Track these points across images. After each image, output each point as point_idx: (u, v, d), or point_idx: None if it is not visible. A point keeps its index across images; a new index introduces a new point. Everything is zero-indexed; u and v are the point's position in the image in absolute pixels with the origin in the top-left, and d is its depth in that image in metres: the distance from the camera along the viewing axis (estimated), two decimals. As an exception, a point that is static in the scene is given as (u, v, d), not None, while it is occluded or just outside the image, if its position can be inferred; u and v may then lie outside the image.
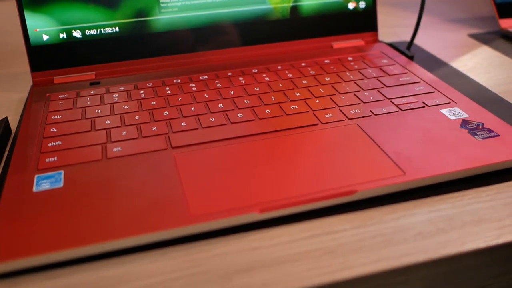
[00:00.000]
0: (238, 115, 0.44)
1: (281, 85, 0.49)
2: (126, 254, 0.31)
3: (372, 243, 0.32)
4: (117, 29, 0.52)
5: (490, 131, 0.41)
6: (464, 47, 0.63)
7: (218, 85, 0.49)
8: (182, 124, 0.42)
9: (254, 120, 0.43)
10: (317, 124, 0.42)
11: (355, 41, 0.59)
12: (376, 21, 0.59)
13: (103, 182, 0.35)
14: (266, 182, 0.35)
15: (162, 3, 0.53)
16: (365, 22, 0.59)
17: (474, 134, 0.41)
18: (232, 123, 0.43)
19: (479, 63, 0.58)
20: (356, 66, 0.53)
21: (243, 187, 0.35)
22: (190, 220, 0.32)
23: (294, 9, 0.56)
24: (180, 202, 0.33)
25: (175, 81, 0.50)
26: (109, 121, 0.43)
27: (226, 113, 0.44)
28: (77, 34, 0.51)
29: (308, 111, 0.44)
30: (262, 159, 0.38)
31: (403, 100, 0.46)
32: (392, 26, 0.70)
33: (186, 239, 0.32)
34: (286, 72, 0.52)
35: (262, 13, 0.55)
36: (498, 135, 0.40)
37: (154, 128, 0.42)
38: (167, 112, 0.44)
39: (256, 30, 0.56)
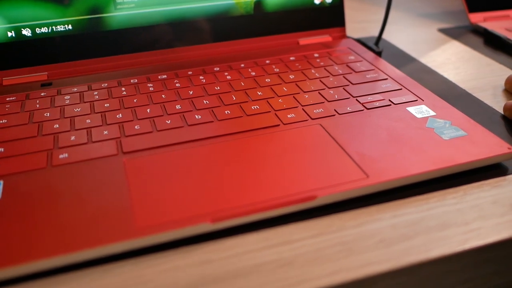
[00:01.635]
0: (196, 116, 0.41)
1: (243, 84, 0.47)
2: (64, 272, 0.28)
3: (332, 252, 0.30)
4: (70, 27, 0.49)
5: (457, 129, 0.39)
6: (434, 42, 0.61)
7: (177, 84, 0.47)
8: (136, 127, 0.40)
9: (212, 121, 0.41)
10: (278, 125, 0.40)
11: (322, 37, 0.57)
12: (343, 16, 0.57)
13: (45, 192, 0.33)
14: (221, 189, 0.33)
15: (118, -1, 0.50)
16: (332, 17, 0.58)
17: (441, 133, 0.39)
18: (189, 125, 0.40)
19: (448, 59, 0.57)
20: (322, 63, 0.51)
21: (196, 195, 0.32)
22: (136, 232, 0.29)
23: (258, 4, 0.54)
24: (125, 213, 0.31)
25: (132, 81, 0.48)
26: (57, 125, 0.40)
27: (183, 115, 0.42)
28: (26, 32, 0.48)
29: (269, 111, 0.42)
30: (218, 164, 0.35)
31: (369, 98, 0.44)
32: (361, 21, 0.69)
33: (132, 253, 0.29)
34: (249, 70, 0.50)
35: (224, 9, 0.53)
36: (466, 134, 0.39)
37: (105, 132, 0.39)
38: (120, 114, 0.42)
39: (218, 27, 0.53)
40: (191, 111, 0.42)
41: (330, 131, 0.39)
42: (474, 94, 0.48)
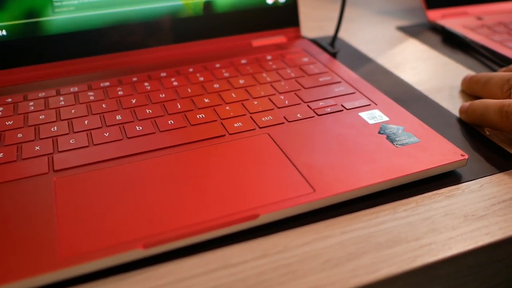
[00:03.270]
0: (137, 127, 0.39)
1: (190, 91, 0.44)
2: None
3: (275, 276, 0.28)
4: (4, 32, 0.46)
5: (410, 136, 0.38)
6: (392, 41, 0.60)
7: (119, 92, 0.44)
8: (70, 141, 0.37)
9: (154, 133, 0.38)
10: (223, 136, 0.38)
11: (276, 38, 0.55)
12: (297, 16, 0.55)
13: (-38, 219, 0.30)
14: (156, 210, 0.30)
15: (56, 1, 0.47)
16: (286, 17, 0.55)
17: (393, 140, 0.37)
18: (129, 137, 0.38)
19: (405, 58, 0.55)
20: (274, 66, 0.49)
21: (129, 217, 0.30)
22: (58, 263, 0.27)
23: (208, 5, 0.52)
24: (49, 242, 0.28)
25: (71, 89, 0.45)
26: (-16, 141, 0.37)
27: (123, 126, 0.39)
28: (-46, 39, 0.45)
29: (215, 120, 0.40)
30: (155, 182, 0.33)
31: (321, 103, 0.42)
32: (319, 19, 0.67)
33: (54, 287, 0.27)
34: (198, 75, 0.47)
35: (171, 10, 0.50)
36: (419, 140, 0.37)
37: (37, 148, 0.36)
38: (55, 127, 0.39)
39: (165, 30, 0.51)
40: (132, 121, 0.40)
41: (278, 141, 0.37)
42: (431, 96, 0.47)
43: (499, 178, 0.36)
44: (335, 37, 0.54)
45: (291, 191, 0.32)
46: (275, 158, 0.35)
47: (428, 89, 0.48)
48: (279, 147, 0.36)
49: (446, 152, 0.36)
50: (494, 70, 0.52)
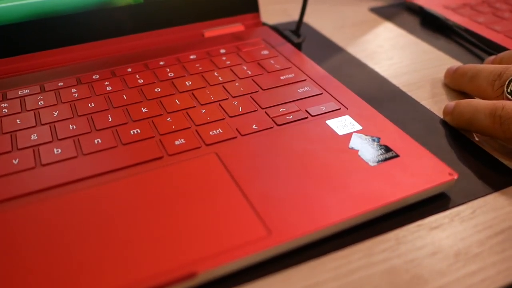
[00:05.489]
0: (55, 151, 0.31)
1: (125, 97, 0.37)
2: None
3: None
4: None
5: (386, 149, 0.31)
6: (365, 26, 0.53)
7: (40, 102, 0.37)
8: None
9: (75, 157, 0.31)
10: (161, 158, 0.31)
11: (232, 26, 0.48)
12: (256, 0, 0.48)
13: None
14: (54, 273, 0.23)
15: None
16: (242, 1, 0.48)
17: (367, 156, 0.31)
18: (44, 165, 0.30)
19: (380, 46, 0.48)
20: (228, 62, 0.42)
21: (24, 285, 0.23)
22: None
23: (149, -10, 0.44)
24: None
25: (-19, 100, 0.37)
26: None
27: (38, 149, 0.32)
28: None
29: (153, 137, 0.33)
30: (56, 233, 0.26)
31: (281, 109, 0.35)
32: (282, 1, 0.59)
33: None
34: (137, 76, 0.40)
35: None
36: (397, 156, 0.31)
37: None
38: (-47, 153, 0.31)
39: (99, 22, 0.43)
40: (50, 142, 0.32)
41: (228, 162, 0.30)
42: (410, 93, 0.40)
43: (494, 199, 0.30)
44: (299, 24, 0.47)
45: (240, 235, 0.25)
46: (223, 187, 0.28)
47: (407, 83, 0.42)
48: (229, 172, 0.30)
49: (431, 170, 0.30)
50: (481, 58, 0.45)
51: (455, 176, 0.29)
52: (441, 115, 0.37)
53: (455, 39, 0.49)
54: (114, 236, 0.25)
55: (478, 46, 0.46)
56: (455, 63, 0.44)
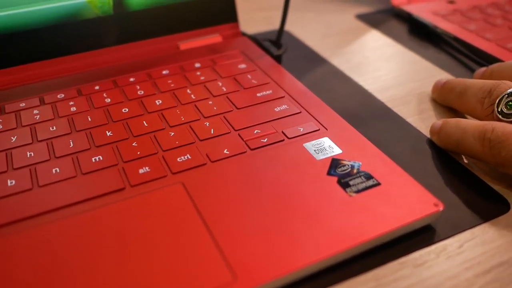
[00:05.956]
0: (9, 182, 0.29)
1: (89, 119, 0.34)
2: None
3: None
4: None
5: (368, 176, 0.29)
6: (350, 34, 0.50)
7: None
8: None
9: (30, 189, 0.28)
10: (122, 189, 0.28)
11: (209, 37, 0.45)
12: (235, 9, 0.45)
13: None
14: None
15: None
16: (220, 10, 0.45)
17: (346, 186, 0.28)
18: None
19: (366, 57, 0.46)
20: (202, 78, 0.39)
21: None
22: None
23: (119, 1, 0.41)
24: None
25: None
26: None
27: (-11, 180, 0.29)
28: None
29: (115, 165, 0.30)
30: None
31: (256, 130, 0.33)
32: (266, 8, 0.57)
33: None
34: (104, 95, 0.37)
35: (72, 11, 0.40)
36: (379, 184, 0.28)
37: None
38: None
39: (65, 36, 0.40)
40: (4, 172, 0.30)
41: (195, 194, 0.28)
42: (395, 109, 0.38)
43: (484, 231, 0.28)
44: (280, 34, 0.44)
45: (203, 279, 0.23)
46: (187, 224, 0.26)
47: (392, 98, 0.39)
48: (195, 206, 0.27)
49: (415, 200, 0.27)
50: (471, 69, 0.43)
51: (441, 208, 0.27)
52: (428, 134, 0.35)
53: (445, 49, 0.47)
54: (61, 283, 0.23)
55: (468, 56, 0.44)
56: (444, 75, 0.42)
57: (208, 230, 0.26)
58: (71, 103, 0.36)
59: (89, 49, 0.41)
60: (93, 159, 0.31)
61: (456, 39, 0.46)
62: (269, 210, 0.27)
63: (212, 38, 0.45)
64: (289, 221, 0.26)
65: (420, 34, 0.49)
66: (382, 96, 0.40)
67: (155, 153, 0.31)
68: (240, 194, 0.28)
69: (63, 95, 0.37)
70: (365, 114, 0.37)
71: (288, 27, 0.51)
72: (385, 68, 0.44)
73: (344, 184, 0.28)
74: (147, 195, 0.28)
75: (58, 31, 0.40)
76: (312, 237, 0.25)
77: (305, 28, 0.52)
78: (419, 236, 0.27)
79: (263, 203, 0.27)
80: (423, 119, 0.37)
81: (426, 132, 0.35)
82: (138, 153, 0.31)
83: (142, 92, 0.38)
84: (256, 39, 0.45)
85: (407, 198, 0.27)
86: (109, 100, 0.37)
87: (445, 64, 0.44)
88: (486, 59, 0.43)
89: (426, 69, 0.44)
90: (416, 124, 0.36)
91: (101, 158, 0.31)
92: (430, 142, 0.34)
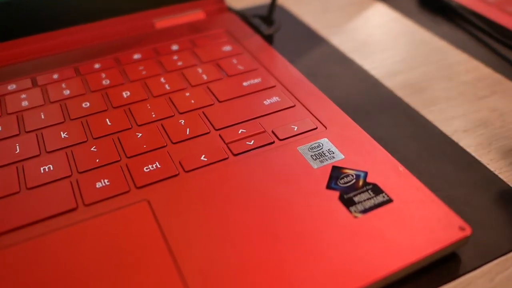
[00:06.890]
0: None
1: (43, 117, 0.29)
2: None
3: None
4: None
5: (377, 190, 0.23)
6: (352, 8, 0.44)
7: None
8: None
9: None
10: (74, 209, 0.23)
11: (190, 14, 0.39)
12: (219, -19, 0.39)
13: None
14: None
15: None
16: (203, -17, 0.39)
17: (350, 203, 0.23)
18: None
19: (371, 35, 0.40)
20: (180, 63, 0.33)
21: None
22: None
23: (82, -28, 0.35)
24: None
25: None
26: None
27: None
28: None
29: (68, 176, 0.25)
30: None
31: (241, 130, 0.27)
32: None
33: None
34: (63, 85, 0.31)
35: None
36: (390, 200, 0.23)
37: None
38: None
39: (17, 15, 0.34)
40: None
41: (162, 216, 0.22)
42: (406, 98, 0.32)
43: (520, 259, 0.22)
44: (271, 10, 0.38)
45: None
46: (151, 257, 0.21)
47: (403, 85, 0.34)
48: (162, 232, 0.22)
49: (436, 222, 0.22)
50: (492, 49, 0.37)
51: (469, 233, 0.22)
52: (446, 129, 0.29)
53: (461, 24, 0.40)
54: None
55: (489, 34, 0.38)
56: (461, 57, 0.36)
57: (176, 264, 0.20)
58: (23, 95, 0.31)
59: (47, 30, 0.35)
60: (41, 168, 0.25)
61: (474, 14, 0.40)
62: (253, 240, 0.21)
63: (193, 14, 0.39)
64: (277, 255, 0.21)
65: (432, 7, 0.43)
66: (390, 82, 0.34)
67: (117, 161, 0.26)
68: (217, 216, 0.22)
69: (15, 86, 0.32)
70: (371, 105, 0.32)
71: (281, 0, 0.45)
72: (392, 48, 0.38)
73: (347, 201, 0.23)
74: (103, 218, 0.23)
75: (5, 10, 0.33)
76: (307, 278, 0.20)
77: (301, 2, 0.45)
78: (440, 268, 0.22)
79: (246, 229, 0.22)
80: (439, 111, 0.31)
81: (443, 127, 0.30)
82: (97, 160, 0.26)
83: (108, 81, 0.32)
84: (244, 15, 0.39)
85: (426, 220, 0.22)
86: (68, 92, 0.31)
87: (462, 43, 0.38)
88: (509, 36, 0.37)
89: (440, 50, 0.38)
90: (432, 118, 0.31)
91: (51, 168, 0.25)
92: (450, 141, 0.29)
